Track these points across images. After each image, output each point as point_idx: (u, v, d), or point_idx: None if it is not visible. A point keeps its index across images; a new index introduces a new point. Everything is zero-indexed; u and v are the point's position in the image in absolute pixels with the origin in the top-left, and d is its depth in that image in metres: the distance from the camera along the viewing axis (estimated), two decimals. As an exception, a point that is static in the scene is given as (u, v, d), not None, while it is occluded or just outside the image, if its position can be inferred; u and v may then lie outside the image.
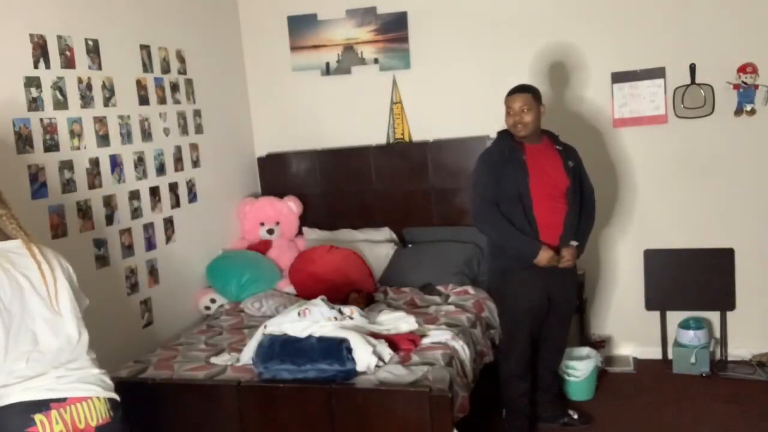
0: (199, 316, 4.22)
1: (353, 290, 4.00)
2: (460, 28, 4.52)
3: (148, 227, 3.82)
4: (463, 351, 3.27)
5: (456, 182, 4.48)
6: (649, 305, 4.48)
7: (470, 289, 4.06)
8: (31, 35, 3.13)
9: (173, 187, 4.06)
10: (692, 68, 4.21)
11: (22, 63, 3.09)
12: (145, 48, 3.89)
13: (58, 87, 3.26)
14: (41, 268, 2.01)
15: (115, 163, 3.61)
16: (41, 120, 3.15)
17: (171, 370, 3.17)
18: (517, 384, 3.60)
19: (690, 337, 4.24)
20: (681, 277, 4.40)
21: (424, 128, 4.65)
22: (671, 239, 4.41)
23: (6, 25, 3.01)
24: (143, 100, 3.85)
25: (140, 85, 3.83)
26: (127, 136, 3.70)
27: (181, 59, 4.19)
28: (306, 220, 4.79)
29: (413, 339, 3.25)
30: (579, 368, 3.98)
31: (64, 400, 1.95)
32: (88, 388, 2.01)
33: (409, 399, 2.70)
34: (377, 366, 2.95)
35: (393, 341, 3.17)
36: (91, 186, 3.43)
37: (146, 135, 3.85)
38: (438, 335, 3.33)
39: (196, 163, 4.29)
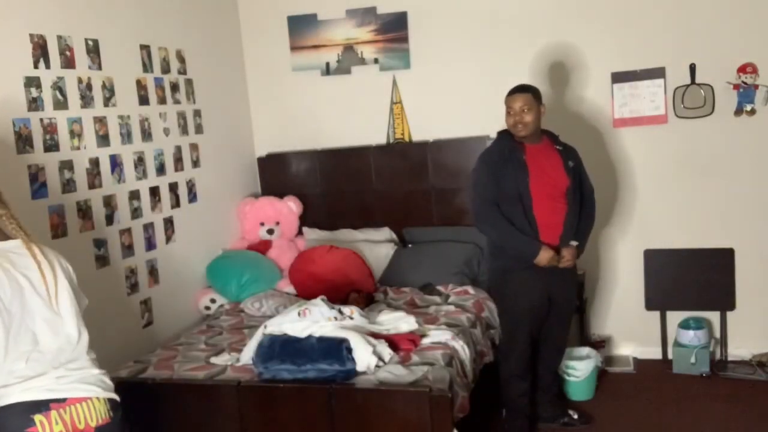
0: (199, 316, 4.22)
1: (353, 290, 4.00)
2: (460, 28, 4.52)
3: (148, 227, 3.82)
4: (463, 351, 3.27)
5: (456, 182, 4.48)
6: (649, 305, 4.48)
7: (470, 289, 4.06)
8: (31, 35, 3.13)
9: (173, 187, 4.06)
10: (692, 68, 4.21)
11: (22, 63, 3.09)
12: (145, 48, 3.89)
13: (58, 87, 3.26)
14: (41, 267, 2.01)
15: (115, 163, 3.61)
16: (41, 120, 3.15)
17: (171, 370, 3.17)
18: (517, 384, 3.60)
19: (690, 337, 4.24)
20: (681, 277, 4.40)
21: (424, 128, 4.65)
22: (671, 239, 4.41)
23: (6, 25, 3.01)
24: (143, 100, 3.85)
25: (140, 85, 3.83)
26: (127, 136, 3.70)
27: (181, 59, 4.19)
28: (306, 220, 4.79)
29: (413, 339, 3.25)
30: (579, 368, 3.98)
31: (63, 400, 1.94)
32: (88, 388, 2.01)
33: (409, 399, 2.70)
34: (377, 366, 2.95)
35: (393, 341, 3.17)
36: (91, 186, 3.43)
37: (146, 135, 3.85)
38: (438, 335, 3.33)
39: (196, 163, 4.29)
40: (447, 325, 3.50)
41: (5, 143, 2.98)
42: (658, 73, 4.29)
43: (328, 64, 4.77)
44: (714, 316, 4.41)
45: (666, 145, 4.34)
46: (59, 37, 3.27)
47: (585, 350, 4.19)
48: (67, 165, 3.28)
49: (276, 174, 4.87)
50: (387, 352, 3.05)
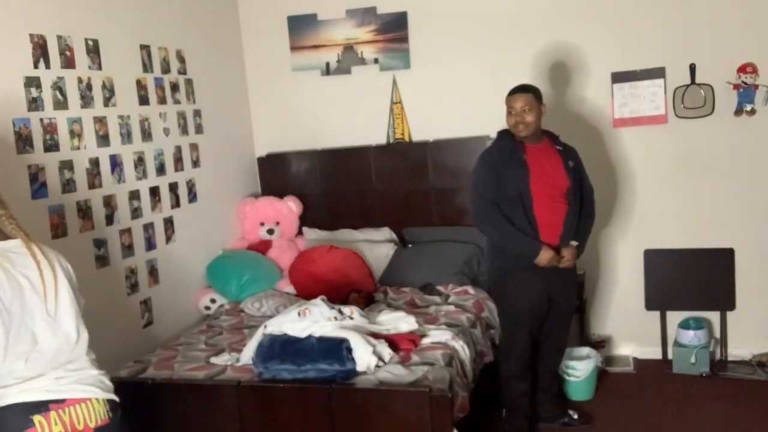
0: (199, 316, 4.22)
1: (353, 290, 4.00)
2: (460, 28, 4.52)
3: (148, 227, 3.82)
4: (463, 351, 3.27)
5: (456, 182, 4.48)
6: (649, 305, 4.48)
7: (470, 289, 4.07)
8: (31, 35, 3.13)
9: (173, 187, 4.06)
10: (692, 68, 4.21)
11: (22, 63, 3.09)
12: (145, 48, 3.89)
13: (58, 87, 3.26)
14: (41, 267, 2.01)
15: (115, 163, 3.61)
16: (41, 120, 3.15)
17: (171, 370, 3.17)
18: (517, 384, 3.60)
19: (690, 337, 4.24)
20: (681, 277, 4.40)
21: (424, 128, 4.65)
22: (671, 239, 4.41)
23: (6, 25, 3.01)
24: (143, 100, 3.85)
25: (140, 85, 3.83)
26: (127, 136, 3.70)
27: (181, 59, 4.19)
28: (306, 220, 4.79)
29: (413, 339, 3.25)
30: (579, 368, 3.98)
31: (63, 401, 1.94)
32: (87, 389, 2.00)
33: (409, 399, 2.70)
34: (377, 366, 2.95)
35: (393, 341, 3.17)
36: (91, 186, 3.43)
37: (146, 135, 3.85)
38: (438, 335, 3.33)
39: (196, 163, 4.29)
40: (447, 325, 3.50)
41: (5, 143, 2.98)
42: (658, 73, 4.29)
43: (328, 64, 4.77)
44: (714, 316, 4.40)
45: (666, 145, 4.34)
46: (59, 37, 3.27)
47: (585, 350, 4.19)
48: (67, 165, 3.28)
49: (276, 174, 4.87)
50: (387, 352, 3.05)
